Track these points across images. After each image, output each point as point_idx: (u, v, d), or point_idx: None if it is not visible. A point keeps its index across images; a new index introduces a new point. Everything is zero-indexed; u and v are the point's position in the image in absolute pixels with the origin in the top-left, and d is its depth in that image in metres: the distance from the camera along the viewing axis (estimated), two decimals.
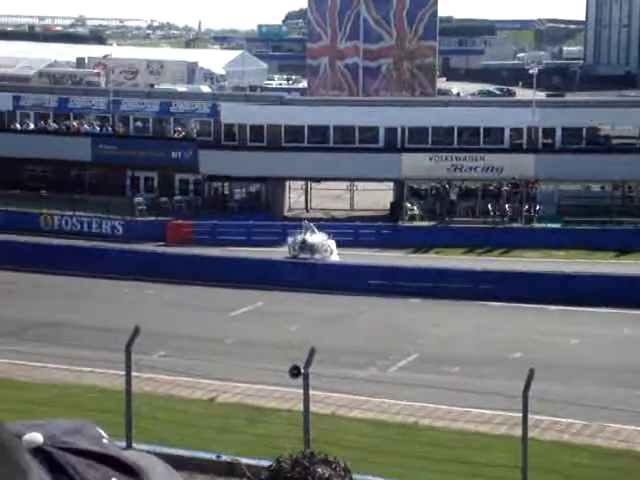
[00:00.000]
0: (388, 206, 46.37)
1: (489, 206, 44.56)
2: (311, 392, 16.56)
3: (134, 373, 17.22)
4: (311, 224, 37.93)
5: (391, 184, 46.64)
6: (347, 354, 24.24)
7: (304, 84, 75.36)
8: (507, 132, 45.85)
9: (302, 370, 16.06)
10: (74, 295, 31.05)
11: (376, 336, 26.56)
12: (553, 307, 30.50)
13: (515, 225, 42.85)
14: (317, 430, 16.85)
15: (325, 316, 29.01)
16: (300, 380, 16.23)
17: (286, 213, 46.79)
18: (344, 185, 47.23)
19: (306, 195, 48.11)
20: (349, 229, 41.50)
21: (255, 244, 38.99)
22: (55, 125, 49.61)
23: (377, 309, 30.12)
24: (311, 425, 16.19)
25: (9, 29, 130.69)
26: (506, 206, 43.98)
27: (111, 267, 33.55)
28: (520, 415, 15.03)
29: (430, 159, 44.85)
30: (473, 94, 77.22)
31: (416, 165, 44.56)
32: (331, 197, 47.83)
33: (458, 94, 76.09)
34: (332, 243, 37.09)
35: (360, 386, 21.49)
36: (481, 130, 45.92)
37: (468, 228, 41.79)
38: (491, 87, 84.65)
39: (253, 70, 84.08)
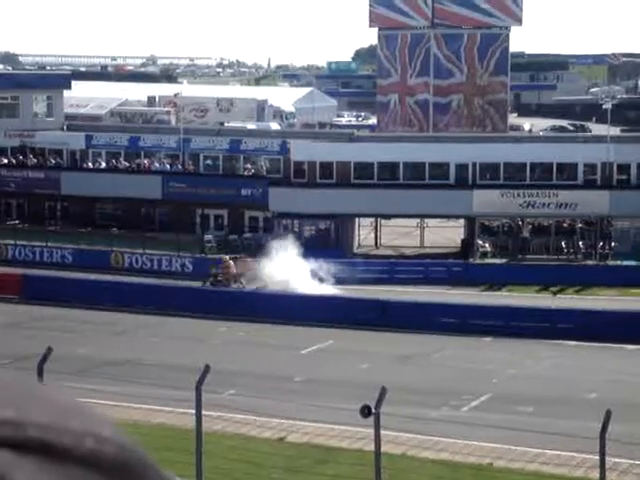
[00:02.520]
0: (459, 243, 45.92)
1: (562, 243, 43.90)
2: (382, 432, 16.24)
3: (204, 412, 17.05)
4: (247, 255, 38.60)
5: (462, 221, 46.22)
6: (419, 393, 23.85)
7: (373, 121, 75.34)
8: (581, 168, 45.21)
9: (373, 410, 15.77)
10: (145, 333, 31.12)
11: (448, 375, 26.12)
12: (630, 346, 29.80)
13: (589, 262, 42.11)
14: (389, 471, 16.52)
15: (396, 354, 28.64)
16: (371, 420, 15.93)
17: (356, 250, 46.58)
18: (414, 222, 46.91)
19: (376, 232, 47.88)
20: (419, 266, 41.13)
21: (325, 281, 38.72)
22: (126, 163, 50.10)
23: (449, 348, 29.67)
24: (382, 466, 15.86)
25: (82, 69, 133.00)
26: (580, 243, 43.25)
27: (182, 305, 33.59)
28: (597, 457, 14.57)
29: (502, 195, 44.36)
30: (545, 130, 76.53)
31: (487, 201, 44.11)
32: (401, 234, 47.53)
33: (530, 130, 75.48)
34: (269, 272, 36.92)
35: (432, 426, 21.09)
36: (554, 166, 45.34)
37: (541, 265, 41.16)
38: (564, 123, 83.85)
39: (322, 107, 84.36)
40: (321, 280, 37.17)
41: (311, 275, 37.34)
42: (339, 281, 38.44)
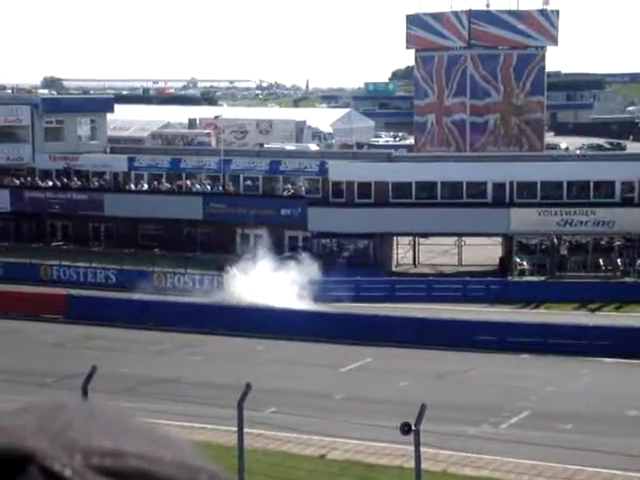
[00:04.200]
0: (497, 261, 46.06)
1: (600, 260, 43.92)
2: (422, 449, 16.49)
3: (246, 429, 17.41)
4: (232, 268, 39.17)
5: (499, 239, 46.36)
6: (458, 410, 24.05)
7: (411, 141, 75.61)
8: (618, 186, 45.25)
9: (413, 427, 16.04)
10: (186, 352, 31.51)
11: (487, 392, 26.30)
12: None
13: (627, 279, 42.10)
14: None
15: (435, 372, 28.85)
16: (411, 437, 16.19)
17: (394, 269, 46.83)
18: (452, 240, 47.11)
19: (414, 250, 48.11)
20: (457, 284, 41.33)
21: (364, 300, 39.06)
22: (168, 185, 50.70)
23: (487, 365, 29.84)
24: None
25: (125, 93, 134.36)
26: (618, 260, 43.24)
27: (221, 323, 33.99)
28: (638, 475, 14.72)
29: (539, 214, 44.49)
30: (582, 148, 76.45)
31: (525, 220, 44.24)
32: (439, 252, 47.73)
33: (567, 148, 75.42)
34: (249, 286, 37.52)
35: (471, 443, 21.30)
36: (591, 184, 45.41)
37: (579, 283, 41.19)
38: (601, 141, 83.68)
39: (360, 128, 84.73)
40: (301, 296, 37.53)
41: (292, 290, 37.79)
42: (377, 299, 38.76)
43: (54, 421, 0.73)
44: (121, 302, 37.25)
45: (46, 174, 52.75)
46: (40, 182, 52.43)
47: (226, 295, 38.11)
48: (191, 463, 0.75)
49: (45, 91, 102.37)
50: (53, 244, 48.93)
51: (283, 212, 47.05)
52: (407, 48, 66.46)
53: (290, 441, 21.42)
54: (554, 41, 64.03)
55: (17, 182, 52.58)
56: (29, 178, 52.81)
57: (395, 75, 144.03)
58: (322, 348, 31.83)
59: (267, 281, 38.51)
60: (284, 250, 47.16)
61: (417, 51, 65.74)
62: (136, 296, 38.09)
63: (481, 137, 64.13)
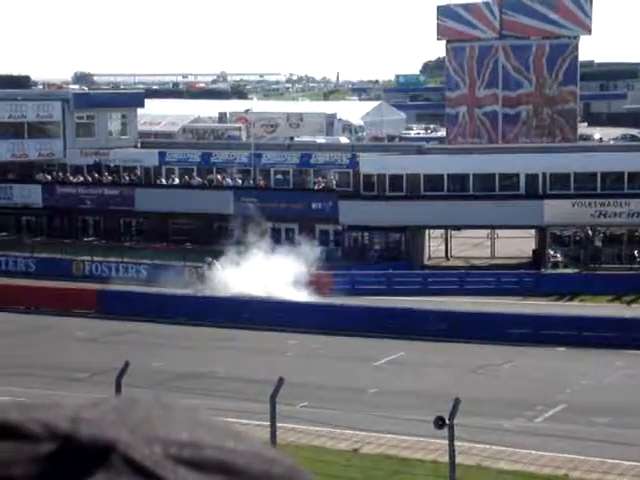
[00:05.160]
0: (530, 254, 45.73)
1: (635, 252, 43.48)
2: (456, 443, 16.35)
3: (278, 423, 17.32)
4: (213, 260, 39.48)
5: (533, 231, 46.02)
6: (492, 404, 23.86)
7: (442, 133, 75.27)
8: None
9: (447, 421, 15.90)
10: (217, 346, 31.49)
11: (521, 386, 26.08)
12: None
13: None
14: None
15: (468, 366, 28.65)
16: (445, 431, 16.05)
17: (426, 262, 46.61)
18: (484, 233, 46.82)
19: (446, 243, 47.87)
20: (490, 277, 41.07)
21: (395, 293, 38.91)
22: (199, 179, 50.72)
23: (521, 358, 29.60)
24: (457, 477, 15.96)
25: (155, 88, 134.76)
26: None
27: (253, 318, 33.94)
28: None
29: (573, 205, 44.11)
30: (616, 139, 75.80)
31: (558, 212, 43.87)
32: (471, 245, 47.47)
33: (600, 139, 74.81)
34: (230, 277, 37.91)
35: (506, 437, 21.11)
36: (625, 175, 44.97)
37: (614, 275, 40.82)
38: (634, 131, 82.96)
39: (391, 120, 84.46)
40: (298, 287, 37.60)
41: (291, 282, 37.78)
42: (410, 292, 38.60)
43: (131, 414, 0.76)
44: (152, 297, 37.29)
45: (77, 169, 52.92)
46: (71, 177, 52.61)
47: (254, 288, 38.10)
48: (265, 454, 0.77)
49: (76, 86, 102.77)
50: (85, 239, 49.09)
51: (314, 206, 46.94)
52: (438, 39, 66.10)
53: (323, 435, 21.31)
54: (587, 30, 63.45)
55: (49, 178, 52.79)
56: (60, 173, 53.00)
57: (426, 67, 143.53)
58: (355, 342, 31.72)
59: (295, 275, 38.51)
60: (315, 244, 47.06)
61: (448, 42, 65.37)
62: (168, 291, 38.14)
63: (513, 128, 63.69)
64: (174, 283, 38.24)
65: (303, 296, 37.37)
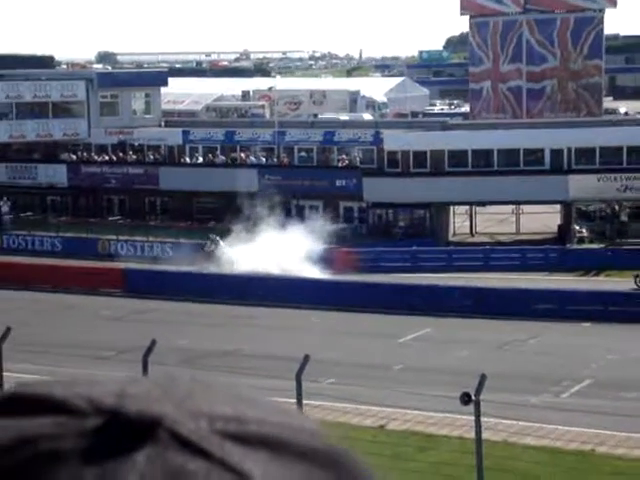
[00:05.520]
0: (555, 229, 45.54)
1: None
2: (482, 419, 16.35)
3: (305, 401, 17.36)
4: (217, 237, 39.87)
5: (558, 206, 45.81)
6: (518, 380, 23.83)
7: (466, 108, 74.84)
8: None
9: (473, 397, 15.89)
10: (242, 324, 31.58)
11: (547, 361, 26.03)
12: None
13: None
14: (490, 457, 16.61)
15: (494, 342, 28.62)
16: (471, 407, 16.05)
17: (451, 238, 46.51)
18: (509, 209, 46.64)
19: (471, 219, 47.73)
20: (516, 253, 40.95)
21: (420, 270, 38.86)
22: (223, 158, 50.74)
23: (547, 334, 29.54)
24: (483, 452, 15.96)
25: (178, 66, 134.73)
26: None
27: (276, 295, 33.97)
28: None
29: (598, 180, 43.84)
30: None
31: (584, 186, 43.62)
32: (496, 221, 47.30)
33: (626, 113, 74.23)
34: (236, 254, 38.57)
35: (532, 412, 21.11)
36: None
37: None
38: None
39: (414, 96, 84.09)
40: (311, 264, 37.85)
41: (303, 259, 37.87)
42: (435, 269, 38.57)
43: (175, 389, 0.76)
44: (178, 275, 37.41)
45: (102, 149, 53.05)
46: (96, 157, 52.76)
47: (277, 266, 38.22)
48: (309, 427, 0.77)
49: (99, 66, 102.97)
50: (110, 218, 49.28)
51: (338, 183, 46.90)
52: (461, 14, 65.62)
53: (349, 412, 21.37)
54: (612, 3, 62.85)
55: (74, 157, 52.96)
56: (85, 153, 53.16)
57: (449, 42, 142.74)
58: (380, 319, 31.73)
59: (309, 251, 38.62)
60: (339, 221, 47.06)
61: (471, 17, 64.87)
62: (191, 269, 38.26)
63: (538, 103, 63.24)
64: (185, 260, 38.40)
65: (317, 273, 37.49)
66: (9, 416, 0.75)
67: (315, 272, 37.69)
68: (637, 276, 35.21)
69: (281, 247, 37.90)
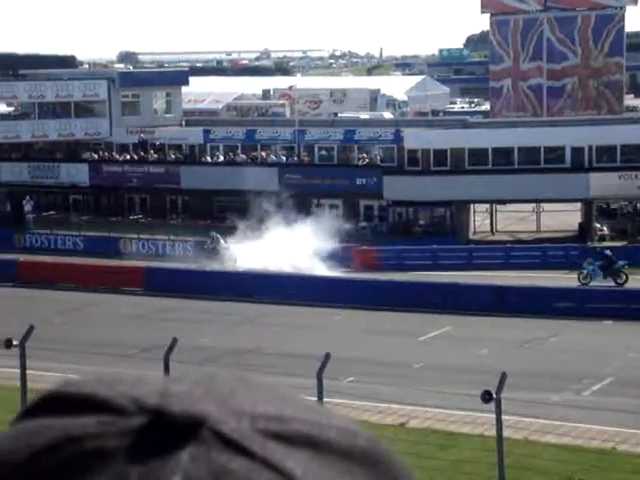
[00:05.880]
0: (576, 227, 45.44)
1: None
2: (503, 417, 16.37)
3: (325, 399, 17.41)
4: (217, 235, 40.56)
5: (579, 204, 45.70)
6: (539, 378, 23.81)
7: (486, 107, 74.75)
8: None
9: (494, 395, 15.91)
10: (263, 322, 31.65)
11: (568, 359, 26.00)
12: None
13: None
14: (511, 455, 16.64)
15: (514, 339, 28.60)
16: (492, 405, 16.07)
17: (471, 236, 46.47)
18: (530, 207, 46.56)
19: (491, 218, 47.68)
20: (536, 251, 40.88)
21: (441, 268, 38.85)
22: (243, 156, 50.85)
23: (568, 332, 29.49)
24: (504, 450, 15.99)
25: (199, 65, 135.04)
26: None
27: (297, 293, 34.04)
28: None
29: (619, 177, 43.71)
30: None
31: (605, 184, 43.50)
32: (517, 219, 47.22)
33: None
34: (236, 251, 39.54)
35: (553, 410, 21.10)
36: None
37: None
38: None
39: (435, 95, 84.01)
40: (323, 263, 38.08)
41: (316, 257, 38.11)
42: (455, 267, 38.56)
43: (217, 388, 0.76)
44: (199, 274, 37.54)
45: (123, 148, 53.27)
46: (117, 156, 52.98)
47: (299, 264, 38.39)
48: (349, 427, 0.76)
49: (121, 65, 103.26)
50: (131, 217, 49.47)
51: (358, 181, 46.94)
52: (482, 12, 65.54)
53: (369, 410, 21.40)
54: (633, 0, 62.62)
55: (95, 156, 53.20)
56: (107, 152, 53.38)
57: (470, 40, 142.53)
58: (400, 317, 31.74)
59: (334, 250, 38.73)
60: (359, 220, 47.10)
61: (492, 15, 64.80)
62: (213, 268, 38.39)
63: (558, 101, 63.11)
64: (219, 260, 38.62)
65: (331, 271, 37.65)
66: (53, 415, 0.75)
67: (329, 270, 37.77)
68: None
69: (294, 245, 38.12)
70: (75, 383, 0.77)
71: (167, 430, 0.73)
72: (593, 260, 36.74)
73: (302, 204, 44.68)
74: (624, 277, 36.09)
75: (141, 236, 45.05)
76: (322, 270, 37.76)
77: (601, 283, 35.45)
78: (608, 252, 36.91)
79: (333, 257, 39.07)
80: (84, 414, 0.74)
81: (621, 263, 36.50)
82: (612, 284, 35.52)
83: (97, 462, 0.72)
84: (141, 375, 0.79)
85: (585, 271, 36.28)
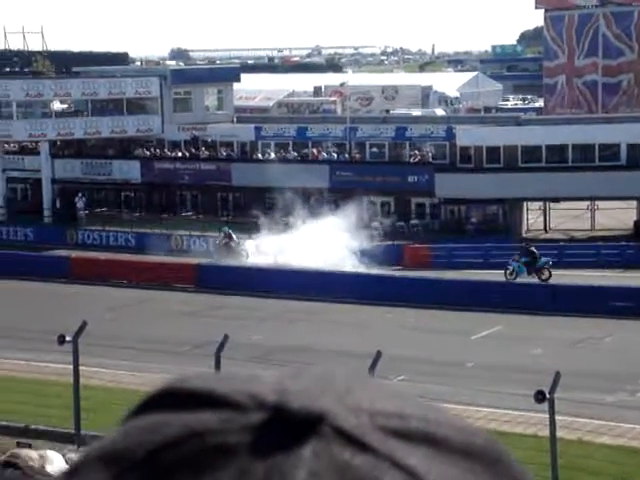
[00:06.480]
0: (631, 225, 44.83)
1: None
2: (557, 417, 16.15)
3: None
4: (229, 230, 41.34)
5: (634, 202, 45.09)
6: (593, 378, 23.48)
7: (540, 103, 74.12)
8: None
9: (547, 395, 15.71)
10: (314, 320, 31.59)
11: (623, 359, 25.60)
12: None
13: None
14: (564, 456, 16.41)
15: (568, 339, 28.26)
16: (545, 405, 15.87)
17: (524, 234, 46.04)
18: (584, 205, 46.04)
19: (545, 216, 47.22)
20: (590, 249, 40.37)
21: (493, 267, 38.51)
22: (294, 153, 50.80)
23: (623, 332, 29.08)
24: (557, 451, 15.77)
25: (250, 62, 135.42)
26: None
27: (349, 291, 33.92)
28: None
29: None
30: None
31: None
32: (571, 217, 46.72)
33: None
34: (249, 246, 40.44)
35: (608, 411, 20.81)
36: None
37: None
38: None
39: (487, 91, 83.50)
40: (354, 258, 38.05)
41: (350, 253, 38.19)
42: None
43: (333, 385, 0.76)
44: (251, 271, 37.55)
45: (175, 145, 53.44)
46: (169, 153, 53.17)
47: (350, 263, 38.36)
48: (464, 425, 0.77)
49: (173, 62, 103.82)
50: (183, 214, 49.61)
51: (410, 179, 46.71)
52: (536, 8, 64.97)
53: None
54: None
55: (147, 153, 53.44)
56: (158, 149, 53.60)
57: (523, 36, 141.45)
58: (452, 316, 31.52)
59: (389, 248, 38.62)
60: (411, 217, 46.87)
61: (546, 11, 64.21)
62: (264, 265, 38.38)
63: (614, 98, 62.37)
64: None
65: (360, 268, 37.63)
66: (171, 410, 0.75)
67: (378, 268, 37.68)
68: None
69: (339, 242, 38.27)
70: (190, 379, 0.77)
71: (288, 426, 0.73)
72: (519, 257, 37.12)
73: (353, 201, 44.51)
74: (547, 274, 36.58)
75: (192, 233, 45.16)
76: (370, 268, 37.62)
77: (527, 279, 36.00)
78: (533, 249, 37.34)
79: (383, 255, 38.88)
80: (203, 410, 0.74)
81: (545, 260, 37.06)
82: (537, 280, 36.10)
83: (220, 458, 0.72)
84: (253, 373, 0.78)
85: (511, 267, 36.76)
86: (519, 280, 34.82)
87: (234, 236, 41.44)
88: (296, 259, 37.95)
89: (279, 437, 0.73)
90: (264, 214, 42.48)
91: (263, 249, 39.91)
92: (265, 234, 40.53)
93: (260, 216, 41.84)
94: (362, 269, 37.73)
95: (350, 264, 37.98)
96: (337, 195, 47.01)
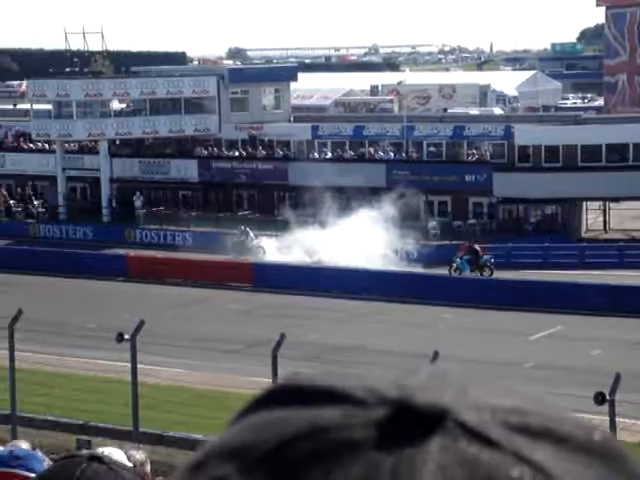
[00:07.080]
0: None
1: None
2: (617, 419, 15.92)
3: None
4: (247, 228, 42.13)
5: None
6: None
7: (600, 102, 73.36)
8: None
9: (607, 397, 15.48)
10: (369, 319, 31.49)
11: None
12: None
13: None
14: None
15: (629, 340, 27.87)
16: (605, 407, 15.64)
17: (583, 234, 45.56)
18: None
19: (604, 216, 46.68)
20: None
21: (552, 267, 38.15)
22: (351, 153, 50.70)
23: None
24: None
25: (307, 61, 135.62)
26: None
27: (406, 291, 33.77)
28: None
29: None
30: None
31: None
32: (631, 217, 46.12)
33: None
34: (266, 245, 41.20)
35: None
36: None
37: None
38: None
39: (546, 90, 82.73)
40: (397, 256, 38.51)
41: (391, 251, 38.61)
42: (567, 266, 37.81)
43: (450, 382, 0.76)
44: (306, 270, 37.53)
45: (232, 144, 53.60)
46: (226, 152, 53.33)
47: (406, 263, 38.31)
48: (583, 421, 0.76)
49: (230, 62, 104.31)
50: (239, 213, 49.73)
51: (467, 178, 46.43)
52: (597, 5, 64.38)
53: None
54: None
55: (204, 152, 53.66)
56: (216, 148, 53.79)
57: (583, 34, 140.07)
58: (511, 316, 31.27)
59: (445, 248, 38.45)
60: (468, 217, 46.57)
61: (608, 8, 63.57)
62: (320, 264, 38.35)
63: None
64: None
65: (416, 268, 37.57)
66: (291, 406, 0.75)
67: (427, 268, 37.60)
68: None
69: (388, 241, 38.49)
70: (307, 376, 0.78)
71: (412, 422, 0.73)
72: (463, 254, 37.81)
73: (410, 200, 44.33)
74: (489, 271, 37.40)
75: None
76: (425, 268, 37.53)
77: (470, 275, 36.97)
78: (476, 247, 38.03)
79: (439, 254, 38.68)
80: (324, 406, 0.74)
81: (486, 258, 37.84)
82: (480, 276, 37.02)
83: (347, 452, 0.72)
84: (361, 371, 0.78)
85: (454, 264, 37.47)
86: (578, 280, 34.41)
87: (251, 234, 42.18)
88: (342, 258, 37.90)
89: (404, 432, 0.72)
90: (317, 213, 42.50)
91: (286, 247, 40.43)
92: (300, 232, 40.82)
93: (312, 214, 42.01)
94: (418, 269, 37.58)
95: (405, 264, 37.85)
96: (393, 194, 46.82)
